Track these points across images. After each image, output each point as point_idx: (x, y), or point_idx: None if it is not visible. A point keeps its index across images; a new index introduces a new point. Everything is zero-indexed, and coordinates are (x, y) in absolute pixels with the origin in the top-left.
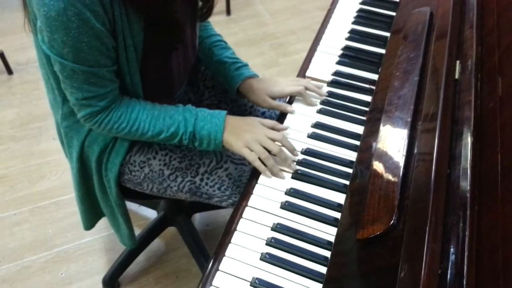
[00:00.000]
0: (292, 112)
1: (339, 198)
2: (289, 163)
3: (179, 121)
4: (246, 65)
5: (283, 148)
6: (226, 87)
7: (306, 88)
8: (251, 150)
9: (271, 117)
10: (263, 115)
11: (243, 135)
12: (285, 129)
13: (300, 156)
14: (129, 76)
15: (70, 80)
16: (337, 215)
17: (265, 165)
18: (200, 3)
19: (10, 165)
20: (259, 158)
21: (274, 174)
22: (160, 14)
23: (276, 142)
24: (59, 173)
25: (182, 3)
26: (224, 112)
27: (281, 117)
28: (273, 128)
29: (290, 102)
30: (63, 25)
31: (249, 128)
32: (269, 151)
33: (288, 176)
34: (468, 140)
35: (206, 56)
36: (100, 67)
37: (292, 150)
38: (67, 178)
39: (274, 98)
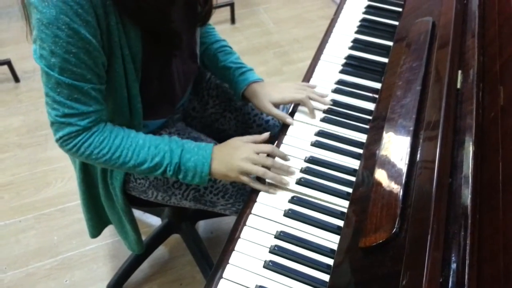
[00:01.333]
0: (291, 124)
1: (343, 206)
2: (286, 169)
3: (164, 151)
4: (251, 69)
5: (276, 158)
6: (230, 96)
7: (310, 98)
8: (248, 173)
9: (275, 125)
10: (267, 123)
11: (233, 163)
12: (267, 137)
13: (304, 164)
14: (127, 89)
15: (54, 93)
16: (341, 223)
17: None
18: (198, 8)
19: (16, 172)
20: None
21: (278, 183)
22: (157, 23)
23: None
24: (65, 180)
25: (180, 10)
26: (211, 145)
27: (284, 126)
28: (254, 142)
29: (293, 112)
30: (53, 33)
31: (235, 151)
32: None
33: (291, 183)
34: (469, 149)
35: (211, 62)
36: (86, 83)
37: (284, 157)
38: (72, 185)
39: (276, 105)
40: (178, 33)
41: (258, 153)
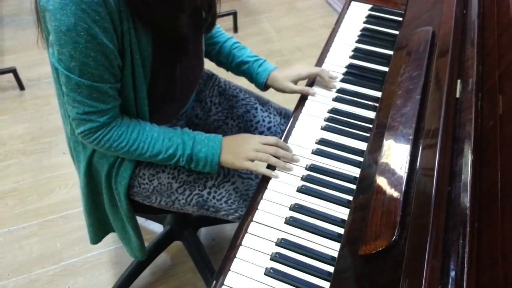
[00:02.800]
0: (313, 94)
1: (343, 213)
2: (290, 157)
3: (177, 143)
4: (265, 60)
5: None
6: (232, 103)
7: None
8: (252, 161)
9: (276, 133)
10: (268, 130)
11: (240, 151)
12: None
13: (305, 172)
14: (134, 91)
15: (74, 93)
16: (341, 230)
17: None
18: (203, 14)
19: (20, 179)
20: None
21: (282, 168)
22: (167, 28)
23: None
24: (68, 187)
25: (188, 17)
26: (220, 136)
27: (288, 133)
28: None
29: (295, 121)
30: (72, 39)
31: (243, 141)
32: None
33: (293, 191)
34: (468, 157)
35: (228, 59)
36: (104, 83)
37: (287, 148)
38: (75, 192)
39: (295, 82)
40: (186, 38)
41: (263, 144)
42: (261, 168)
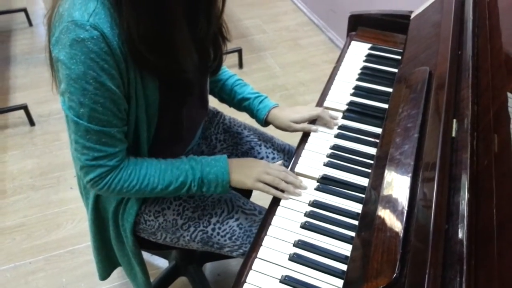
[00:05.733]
0: (315, 131)
1: (347, 250)
2: (298, 184)
3: (186, 170)
4: (266, 97)
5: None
6: (237, 140)
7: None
8: (263, 183)
9: None
10: None
11: (251, 172)
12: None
13: (308, 208)
14: (134, 135)
15: (83, 140)
16: (345, 267)
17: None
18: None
19: (28, 213)
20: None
21: (291, 193)
22: (174, 75)
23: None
24: (75, 222)
25: (194, 62)
26: (225, 156)
27: (291, 170)
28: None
29: (296, 163)
30: (82, 87)
31: (252, 163)
32: None
33: (296, 227)
34: (464, 196)
35: (230, 95)
36: (112, 127)
37: (294, 176)
38: (82, 227)
39: (297, 123)
40: (192, 82)
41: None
42: (273, 189)
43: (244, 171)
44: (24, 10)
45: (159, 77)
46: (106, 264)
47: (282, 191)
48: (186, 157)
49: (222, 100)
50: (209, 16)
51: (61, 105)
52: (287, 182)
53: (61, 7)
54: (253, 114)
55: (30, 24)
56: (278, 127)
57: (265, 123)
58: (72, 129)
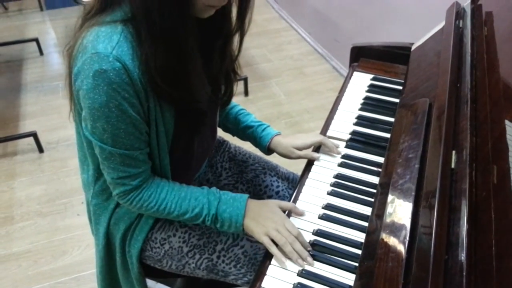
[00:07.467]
0: (317, 159)
1: (350, 280)
2: (304, 256)
3: (203, 203)
4: (269, 125)
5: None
6: (242, 168)
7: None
8: (270, 237)
9: (284, 197)
10: (277, 194)
11: (263, 223)
12: (303, 213)
13: (312, 237)
14: (159, 159)
15: (108, 161)
16: None
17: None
18: (222, 89)
19: (35, 240)
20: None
21: (294, 260)
22: (188, 105)
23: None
24: (81, 249)
25: (207, 94)
26: (246, 196)
27: (295, 199)
28: (290, 211)
29: (299, 193)
30: (105, 115)
31: (270, 215)
32: None
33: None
34: (464, 227)
35: (233, 124)
36: (135, 150)
37: (306, 246)
38: (88, 254)
39: (299, 149)
40: (205, 112)
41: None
42: (274, 248)
43: (257, 219)
44: (36, 40)
45: (174, 106)
46: None
47: None
48: (208, 189)
49: (226, 129)
50: (223, 54)
51: (83, 130)
52: (294, 247)
53: (85, 39)
54: (256, 141)
55: (41, 53)
56: (281, 153)
57: (268, 150)
58: (97, 151)
